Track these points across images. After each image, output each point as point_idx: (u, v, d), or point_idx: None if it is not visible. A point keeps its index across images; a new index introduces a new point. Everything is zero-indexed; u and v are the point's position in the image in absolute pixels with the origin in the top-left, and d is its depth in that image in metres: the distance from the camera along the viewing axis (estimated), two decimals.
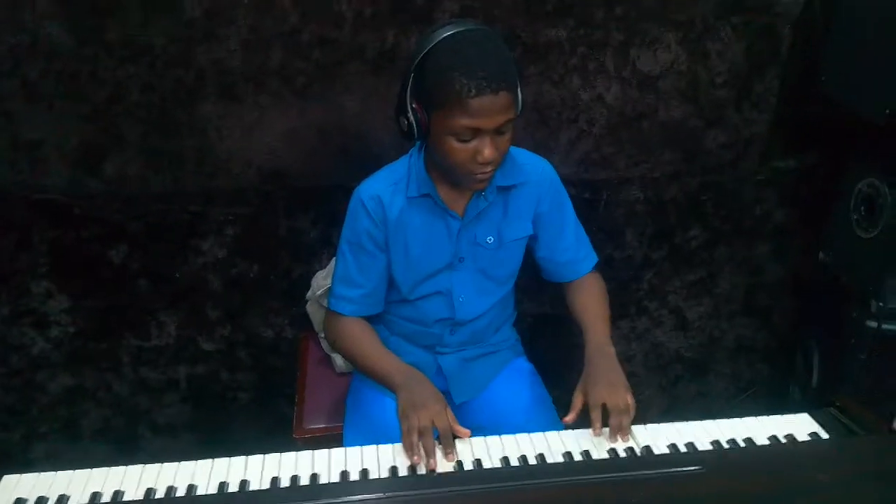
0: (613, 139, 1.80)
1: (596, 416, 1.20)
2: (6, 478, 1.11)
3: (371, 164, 1.39)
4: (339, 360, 1.69)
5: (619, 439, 1.19)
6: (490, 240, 1.37)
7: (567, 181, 1.43)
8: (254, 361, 1.95)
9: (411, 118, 1.21)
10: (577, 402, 1.25)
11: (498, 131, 1.17)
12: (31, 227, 1.71)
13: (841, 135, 1.66)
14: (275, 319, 1.91)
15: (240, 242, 1.80)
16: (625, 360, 2.06)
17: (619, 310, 2.03)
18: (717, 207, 1.94)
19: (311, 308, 1.76)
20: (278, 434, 2.00)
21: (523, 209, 1.38)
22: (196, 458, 1.16)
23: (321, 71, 1.62)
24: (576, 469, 1.09)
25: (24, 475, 1.11)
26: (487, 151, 1.16)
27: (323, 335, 1.72)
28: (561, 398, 1.47)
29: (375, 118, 1.68)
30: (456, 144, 1.17)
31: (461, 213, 1.33)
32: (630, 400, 1.22)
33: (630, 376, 1.29)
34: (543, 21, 1.63)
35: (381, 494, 1.04)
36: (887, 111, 1.33)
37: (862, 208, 1.57)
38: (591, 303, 1.43)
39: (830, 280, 1.68)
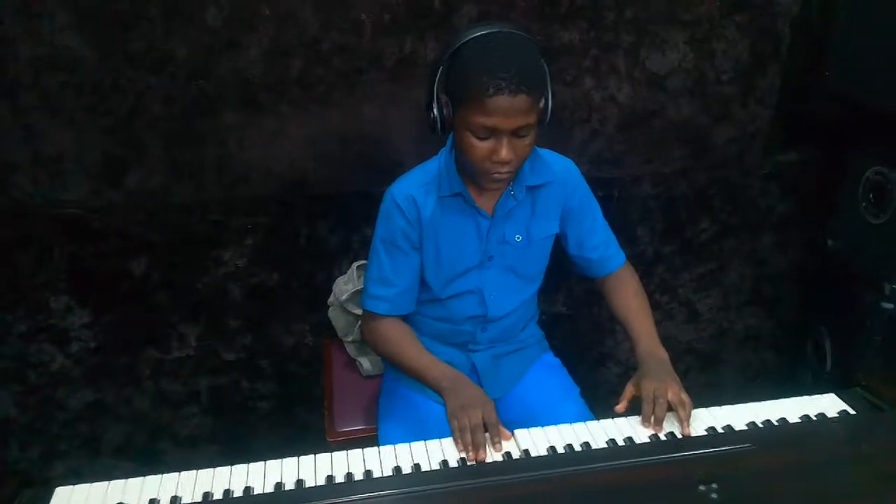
0: (625, 138, 1.85)
1: (647, 410, 1.21)
2: (59, 489, 1.10)
3: (390, 170, 1.41)
4: (366, 363, 1.70)
5: (680, 430, 1.19)
6: (519, 238, 1.39)
7: None
8: (275, 370, 1.95)
9: (436, 111, 1.24)
10: (628, 392, 1.27)
11: (516, 134, 1.19)
12: (51, 241, 1.70)
13: (844, 127, 1.72)
14: (296, 327, 1.91)
15: (260, 251, 1.80)
16: None
17: None
18: (724, 201, 2.00)
19: (333, 314, 1.77)
20: (301, 442, 2.01)
21: (551, 208, 1.40)
22: None
23: (341, 78, 1.65)
24: (627, 452, 1.11)
25: (77, 486, 1.11)
26: (503, 152, 1.18)
27: (349, 339, 1.73)
28: (581, 393, 1.50)
29: (394, 124, 1.70)
30: (473, 141, 1.20)
31: (490, 212, 1.36)
32: (685, 397, 1.23)
33: None
34: (557, 24, 1.68)
35: (436, 486, 1.05)
36: None
37: (871, 195, 1.63)
38: (630, 302, 1.44)
39: (840, 267, 1.74)
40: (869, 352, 1.63)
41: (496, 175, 1.23)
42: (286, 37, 1.59)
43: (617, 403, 1.26)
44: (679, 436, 1.19)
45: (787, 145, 1.95)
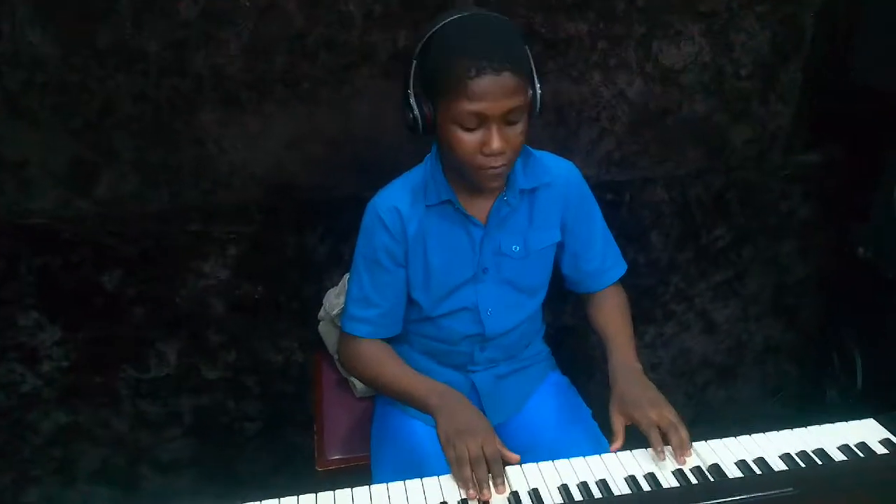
0: (636, 137, 1.73)
1: (657, 439, 1.11)
2: None
3: (384, 173, 1.30)
4: (359, 383, 1.58)
5: (684, 457, 1.10)
6: (516, 248, 1.27)
7: (588, 183, 1.34)
8: (262, 389, 1.84)
9: (416, 110, 1.12)
10: (619, 425, 1.16)
11: (507, 121, 1.08)
12: (17, 253, 1.58)
13: (876, 124, 1.61)
14: (284, 343, 1.80)
15: (244, 262, 1.69)
16: (651, 367, 1.99)
17: (646, 315, 1.97)
18: (742, 205, 1.89)
19: (323, 329, 1.66)
20: (291, 466, 1.90)
21: (550, 214, 1.29)
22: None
23: (329, 75, 1.54)
24: (653, 499, 0.98)
25: None
26: (495, 142, 1.08)
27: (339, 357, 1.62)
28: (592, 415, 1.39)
29: (388, 124, 1.59)
30: (461, 134, 1.09)
31: (483, 220, 1.25)
32: (676, 417, 1.14)
33: (657, 384, 1.21)
34: (563, 15, 1.56)
35: None
36: None
37: None
38: (613, 316, 1.35)
39: (871, 276, 1.62)
40: None
41: (491, 171, 1.12)
42: (268, 30, 1.47)
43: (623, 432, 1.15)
44: (705, 469, 1.07)
45: (810, 145, 1.84)
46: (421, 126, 1.13)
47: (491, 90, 1.04)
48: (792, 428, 1.16)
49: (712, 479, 1.03)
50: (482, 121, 1.07)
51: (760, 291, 2.00)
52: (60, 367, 1.71)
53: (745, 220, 1.90)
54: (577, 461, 1.12)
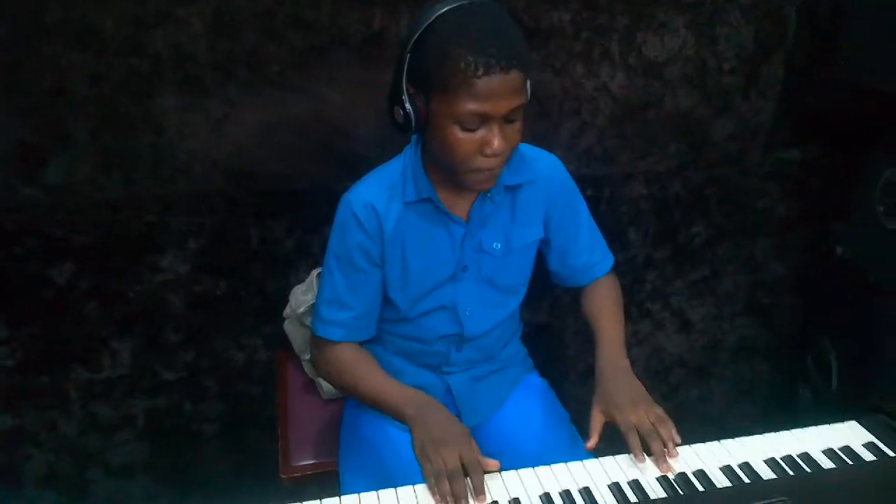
0: (617, 131, 1.69)
1: (634, 442, 1.07)
2: None
3: (357, 163, 1.26)
4: (326, 385, 1.51)
5: (668, 461, 1.06)
6: (497, 246, 1.22)
7: None
8: (222, 390, 1.75)
9: (408, 106, 1.04)
10: (597, 423, 1.13)
11: (507, 119, 1.02)
12: None
13: (859, 122, 1.58)
14: (246, 341, 1.71)
15: (204, 255, 1.61)
16: None
17: None
18: (720, 203, 1.86)
19: (289, 327, 1.57)
20: (253, 472, 1.82)
21: (533, 211, 1.24)
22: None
23: (298, 58, 1.46)
24: None
25: None
26: (497, 142, 1.02)
27: (306, 357, 1.54)
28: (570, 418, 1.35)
29: (360, 111, 1.52)
30: (460, 134, 1.02)
31: (465, 217, 1.19)
32: (661, 412, 1.11)
33: None
34: (547, 2, 1.50)
35: None
36: None
37: (890, 199, 1.48)
38: (604, 309, 1.31)
39: (850, 276, 1.60)
40: (884, 371, 1.49)
41: (487, 171, 1.06)
42: (233, 8, 1.39)
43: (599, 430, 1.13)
44: (690, 475, 1.03)
45: (791, 142, 1.81)
46: (413, 123, 1.06)
47: (498, 90, 0.98)
48: (765, 428, 1.14)
49: (701, 489, 0.99)
50: (484, 121, 1.01)
51: (736, 290, 1.98)
52: (5, 367, 1.60)
53: (722, 218, 1.88)
54: (559, 468, 1.07)
